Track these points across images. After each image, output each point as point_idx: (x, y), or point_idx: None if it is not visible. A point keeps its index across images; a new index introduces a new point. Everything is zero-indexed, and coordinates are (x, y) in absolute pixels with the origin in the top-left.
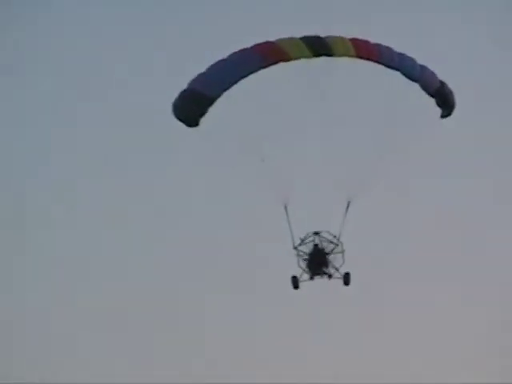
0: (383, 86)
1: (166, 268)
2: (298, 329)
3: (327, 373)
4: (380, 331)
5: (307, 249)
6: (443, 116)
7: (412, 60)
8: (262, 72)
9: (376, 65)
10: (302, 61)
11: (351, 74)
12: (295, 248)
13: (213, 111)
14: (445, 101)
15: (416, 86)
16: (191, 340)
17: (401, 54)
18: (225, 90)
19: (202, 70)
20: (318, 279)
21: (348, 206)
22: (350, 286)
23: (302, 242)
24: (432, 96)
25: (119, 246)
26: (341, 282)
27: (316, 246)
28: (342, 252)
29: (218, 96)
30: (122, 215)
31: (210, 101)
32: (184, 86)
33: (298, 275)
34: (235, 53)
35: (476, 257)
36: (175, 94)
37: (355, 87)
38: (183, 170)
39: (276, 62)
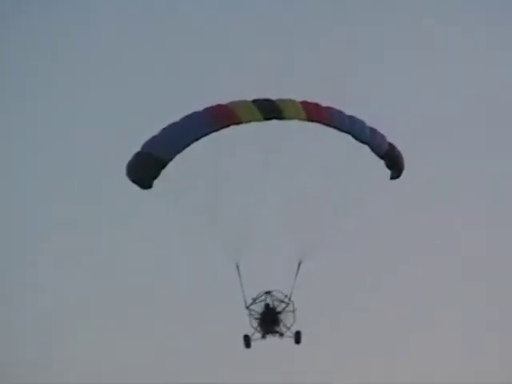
0: (335, 147)
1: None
2: None
3: None
4: None
5: (259, 308)
6: (392, 178)
7: (362, 123)
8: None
9: (327, 128)
10: (254, 124)
11: (303, 136)
12: (247, 307)
13: (165, 172)
14: (394, 163)
15: (366, 148)
16: None
17: (351, 117)
18: (178, 152)
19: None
20: (269, 338)
21: (299, 266)
22: (300, 344)
23: (254, 301)
24: (381, 158)
25: None
26: (292, 340)
27: (267, 305)
28: (294, 311)
29: (171, 159)
30: None
31: (163, 163)
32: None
33: (250, 334)
34: (188, 116)
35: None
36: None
37: (306, 149)
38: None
39: (228, 125)
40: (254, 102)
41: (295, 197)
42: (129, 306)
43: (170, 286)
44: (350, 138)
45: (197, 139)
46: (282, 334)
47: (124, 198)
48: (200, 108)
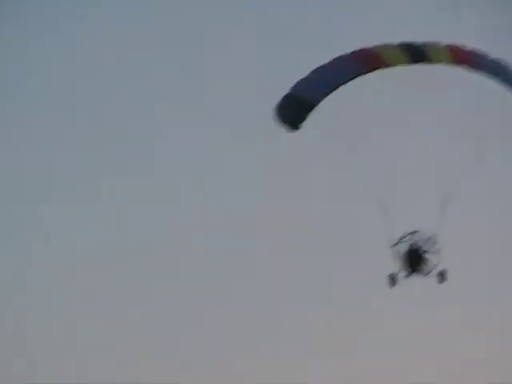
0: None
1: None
2: (395, 326)
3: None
4: (476, 330)
5: (404, 247)
6: None
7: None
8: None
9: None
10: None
11: (446, 80)
12: (392, 247)
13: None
14: None
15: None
16: None
17: (497, 61)
18: (325, 95)
19: None
20: (414, 277)
21: (445, 205)
22: (445, 284)
23: (399, 241)
24: None
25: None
26: (436, 279)
27: (412, 245)
28: (438, 251)
29: (319, 102)
30: None
31: (312, 106)
32: None
33: (395, 273)
34: (334, 59)
35: None
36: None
37: (450, 91)
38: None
39: (373, 69)
40: (400, 45)
41: (441, 133)
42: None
43: (309, 223)
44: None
45: (344, 83)
46: (426, 274)
47: None
48: (346, 52)
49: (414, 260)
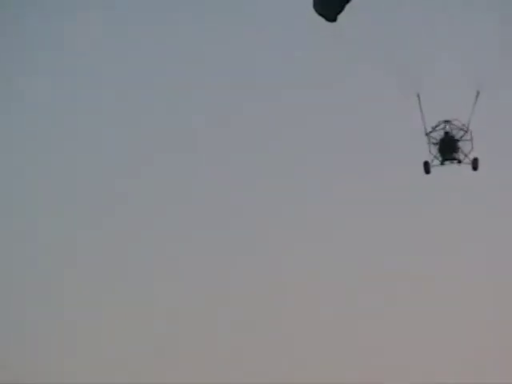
0: None
1: None
2: (430, 212)
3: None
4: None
5: (438, 136)
6: None
7: None
8: None
9: None
10: None
11: None
12: (427, 134)
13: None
14: None
15: None
16: None
17: None
18: None
19: None
20: (448, 164)
21: (477, 96)
22: (477, 171)
23: (434, 129)
24: None
25: None
26: (469, 166)
27: (447, 133)
28: (471, 139)
29: None
30: None
31: None
32: None
33: (429, 160)
34: None
35: None
36: None
37: None
38: None
39: None
40: None
41: (477, 28)
42: None
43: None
44: None
45: None
46: (460, 161)
47: None
48: None
49: (448, 147)
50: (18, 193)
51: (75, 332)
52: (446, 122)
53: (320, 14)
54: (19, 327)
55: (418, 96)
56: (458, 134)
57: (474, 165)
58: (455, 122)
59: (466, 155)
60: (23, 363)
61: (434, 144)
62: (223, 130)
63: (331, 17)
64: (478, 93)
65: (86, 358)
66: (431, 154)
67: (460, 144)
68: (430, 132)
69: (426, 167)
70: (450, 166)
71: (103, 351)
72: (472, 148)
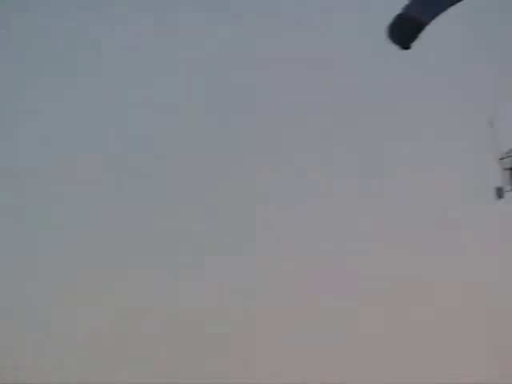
0: None
1: None
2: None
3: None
4: None
5: (510, 163)
6: None
7: None
8: None
9: None
10: None
11: None
12: (500, 160)
13: None
14: None
15: None
16: None
17: None
18: (436, 16)
19: None
20: None
21: None
22: None
23: (507, 155)
24: None
25: None
26: None
27: None
28: None
29: (430, 22)
30: None
31: (423, 25)
32: None
33: (502, 186)
34: None
35: None
36: None
37: None
38: None
39: None
40: None
41: None
42: None
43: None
44: None
45: (452, 4)
46: None
47: None
48: None
49: None
50: (18, 192)
51: (75, 332)
52: None
53: (393, 43)
54: (19, 327)
55: (491, 123)
56: None
57: None
58: None
59: None
60: (23, 363)
61: (506, 169)
62: (223, 131)
63: (406, 45)
64: None
65: (88, 359)
66: (504, 179)
67: None
68: (504, 157)
69: (499, 192)
70: None
71: (103, 351)
72: None
